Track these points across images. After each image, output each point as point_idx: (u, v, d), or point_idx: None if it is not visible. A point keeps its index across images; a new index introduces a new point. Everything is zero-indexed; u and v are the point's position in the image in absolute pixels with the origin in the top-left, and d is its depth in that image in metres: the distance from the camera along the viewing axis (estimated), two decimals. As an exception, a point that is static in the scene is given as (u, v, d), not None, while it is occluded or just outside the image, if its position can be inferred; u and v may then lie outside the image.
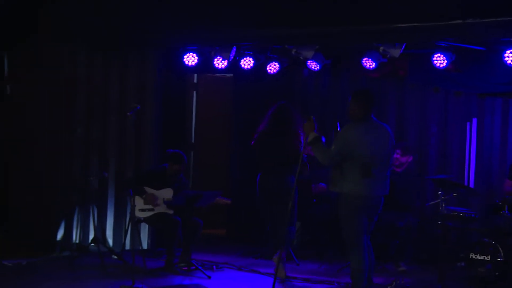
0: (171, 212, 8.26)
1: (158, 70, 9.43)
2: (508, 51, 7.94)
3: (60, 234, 9.19)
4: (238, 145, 10.64)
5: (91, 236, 9.03)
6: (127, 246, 9.11)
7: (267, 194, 7.99)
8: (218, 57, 9.20)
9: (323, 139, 6.62)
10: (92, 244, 8.73)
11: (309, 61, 9.29)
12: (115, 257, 8.67)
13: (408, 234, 8.53)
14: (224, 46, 9.06)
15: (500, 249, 7.33)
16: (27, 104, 9.36)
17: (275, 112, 8.16)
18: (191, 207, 8.14)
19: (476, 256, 7.45)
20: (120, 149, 9.35)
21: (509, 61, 7.98)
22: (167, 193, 8.29)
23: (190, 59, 9.30)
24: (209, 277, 7.84)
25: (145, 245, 9.21)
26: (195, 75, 11.15)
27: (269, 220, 8.18)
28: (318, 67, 9.40)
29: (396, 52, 8.40)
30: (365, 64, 8.83)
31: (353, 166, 6.45)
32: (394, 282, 7.20)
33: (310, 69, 9.54)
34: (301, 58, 9.15)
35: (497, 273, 7.30)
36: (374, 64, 8.78)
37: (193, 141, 11.15)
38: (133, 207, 7.79)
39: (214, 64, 9.33)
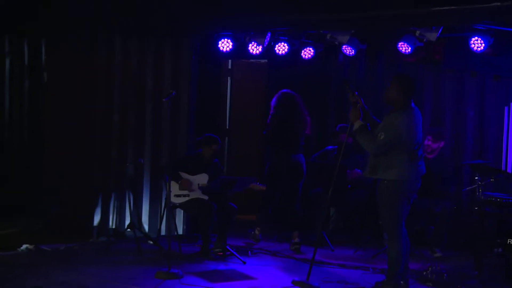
0: (206, 197, 8.29)
1: (193, 56, 9.43)
2: (547, 34, 7.80)
3: (96, 220, 9.30)
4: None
5: (127, 221, 9.11)
6: (163, 231, 9.16)
7: (278, 176, 8.81)
8: (253, 42, 9.18)
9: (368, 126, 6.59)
10: (128, 230, 8.81)
11: (344, 46, 9.23)
12: (151, 242, 8.74)
13: (444, 220, 8.46)
14: (258, 31, 9.04)
15: (538, 235, 7.24)
16: (63, 91, 9.45)
17: (281, 100, 8.86)
18: (226, 193, 8.16)
19: (513, 242, 7.36)
20: (155, 136, 9.40)
21: (547, 44, 7.84)
22: (202, 178, 8.32)
23: (225, 45, 9.30)
24: (244, 263, 7.87)
25: (180, 231, 9.27)
26: (230, 61, 11.14)
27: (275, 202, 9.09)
28: (353, 52, 9.33)
29: (433, 36, 8.29)
30: (400, 48, 8.73)
31: (401, 152, 6.42)
32: (429, 268, 7.15)
33: (345, 54, 9.48)
34: (336, 43, 9.11)
35: (535, 260, 7.21)
36: (410, 48, 8.68)
37: (227, 127, 11.16)
38: (168, 193, 7.84)
39: (249, 50, 9.31)
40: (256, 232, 9.16)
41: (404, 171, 6.43)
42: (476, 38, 8.28)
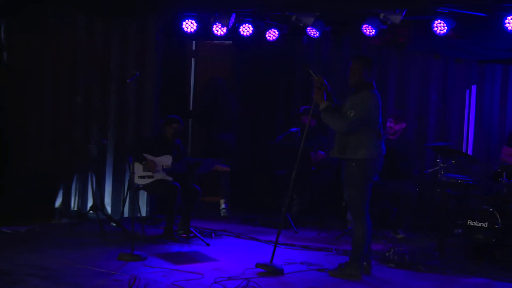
0: (170, 179, 8.26)
1: (157, 37, 9.35)
2: (509, 17, 7.87)
3: (58, 202, 9.20)
4: (237, 112, 10.63)
5: (90, 203, 9.03)
6: (126, 213, 9.12)
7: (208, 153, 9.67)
8: (217, 23, 9.13)
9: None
10: (91, 212, 8.73)
11: (309, 28, 9.22)
12: (114, 224, 8.69)
13: (407, 202, 8.55)
14: (223, 12, 8.99)
15: (498, 216, 7.34)
16: (26, 70, 9.29)
17: (209, 85, 10.35)
18: (191, 174, 8.14)
19: (474, 223, 7.47)
20: (119, 117, 9.31)
21: (510, 28, 7.92)
22: (166, 160, 8.28)
23: (189, 25, 9.23)
24: (208, 245, 7.86)
25: (144, 213, 9.21)
26: (194, 42, 11.07)
27: None
28: (318, 34, 9.33)
29: (396, 19, 8.33)
30: (365, 31, 8.76)
31: (370, 132, 6.47)
32: (392, 249, 7.21)
33: (309, 36, 9.47)
34: (301, 25, 9.10)
35: (494, 240, 7.33)
36: (374, 31, 8.71)
37: (191, 109, 11.10)
38: (132, 174, 7.78)
39: (213, 31, 9.26)
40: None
41: (373, 151, 6.48)
42: (439, 21, 8.34)
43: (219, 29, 9.22)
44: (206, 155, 9.65)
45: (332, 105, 6.61)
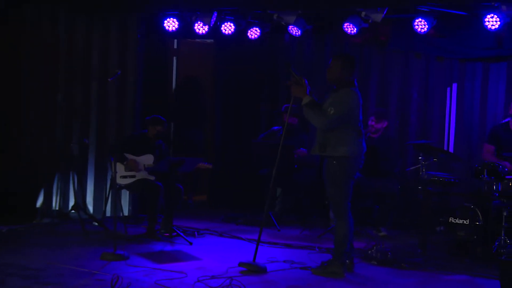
0: (152, 178, 8.23)
1: (139, 35, 9.32)
2: (489, 16, 7.94)
3: (40, 201, 9.15)
4: (220, 110, 10.62)
5: (72, 203, 8.98)
6: (108, 213, 9.08)
7: None
8: (199, 22, 9.12)
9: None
10: (73, 211, 8.69)
11: (291, 27, 9.23)
12: (96, 224, 8.65)
13: (389, 200, 8.60)
14: (205, 11, 8.98)
15: (479, 213, 7.39)
16: (6, 67, 9.22)
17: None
18: (174, 173, 8.12)
19: (455, 220, 7.51)
20: (101, 115, 9.28)
21: (489, 26, 7.99)
22: (148, 159, 8.26)
23: (171, 24, 9.21)
24: (191, 243, 7.85)
25: (126, 212, 9.19)
26: (175, 41, 11.05)
27: None
28: (299, 33, 9.34)
29: (377, 17, 8.37)
30: (346, 29, 8.79)
31: (351, 129, 6.46)
32: (375, 247, 7.24)
33: (291, 35, 9.49)
34: (283, 23, 9.11)
35: (475, 237, 7.38)
36: (355, 29, 8.74)
37: (173, 108, 11.08)
38: (114, 174, 7.75)
39: (195, 30, 9.24)
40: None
41: (354, 148, 6.47)
42: (420, 19, 8.39)
43: (200, 28, 9.21)
44: (175, 152, 9.71)
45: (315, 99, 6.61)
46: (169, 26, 9.23)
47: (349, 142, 6.45)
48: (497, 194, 7.33)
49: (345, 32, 8.84)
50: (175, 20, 9.19)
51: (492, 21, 7.95)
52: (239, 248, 7.79)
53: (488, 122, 9.05)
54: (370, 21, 8.53)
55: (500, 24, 7.93)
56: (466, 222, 7.43)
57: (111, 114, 9.27)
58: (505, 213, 7.21)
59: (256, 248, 6.74)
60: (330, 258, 6.68)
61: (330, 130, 6.47)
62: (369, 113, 8.90)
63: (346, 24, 8.73)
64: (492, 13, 7.91)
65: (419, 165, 7.89)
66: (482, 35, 8.57)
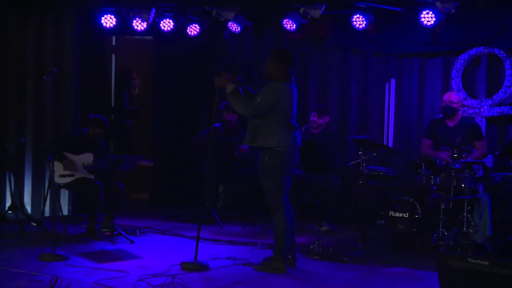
0: (92, 177, 8.12)
1: (75, 32, 9.17)
2: (424, 12, 8.12)
3: (-26, 202, 8.94)
4: (160, 108, 10.54)
5: (8, 203, 8.78)
6: (47, 213, 8.94)
7: None
8: (137, 18, 9.05)
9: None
10: (10, 212, 8.50)
11: (230, 23, 9.22)
12: (34, 224, 8.48)
13: (331, 194, 8.67)
14: (143, 7, 8.90)
15: (417, 206, 7.52)
16: None
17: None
18: (113, 172, 8.02)
19: (395, 214, 7.62)
20: (38, 114, 9.11)
21: (425, 22, 8.16)
22: (87, 158, 8.13)
23: (108, 20, 9.10)
24: (132, 242, 7.77)
25: (65, 211, 9.04)
26: (114, 38, 10.92)
27: None
28: (239, 29, 9.34)
29: (316, 13, 8.44)
30: (285, 25, 8.83)
31: (280, 121, 6.46)
32: (317, 242, 7.29)
33: (231, 31, 9.48)
34: (222, 20, 9.11)
35: (414, 229, 7.50)
36: (294, 25, 8.79)
37: (113, 105, 10.94)
38: (52, 173, 7.61)
39: (133, 26, 9.16)
40: None
41: (284, 140, 6.45)
42: (358, 15, 8.49)
43: (139, 24, 9.13)
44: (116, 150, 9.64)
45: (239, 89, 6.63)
46: (106, 23, 9.12)
47: (279, 133, 6.45)
48: (435, 187, 7.47)
49: (285, 28, 8.89)
50: (112, 16, 9.08)
51: (427, 17, 8.12)
52: (182, 245, 7.75)
53: (426, 116, 9.18)
54: (309, 17, 8.60)
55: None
56: (406, 215, 7.54)
57: (48, 112, 9.10)
58: (443, 206, 7.34)
59: (197, 246, 6.71)
60: (272, 254, 6.69)
61: (260, 121, 6.47)
62: (310, 108, 8.95)
63: (285, 20, 8.77)
64: (427, 9, 8.08)
65: (359, 160, 7.97)
66: (418, 31, 8.73)
